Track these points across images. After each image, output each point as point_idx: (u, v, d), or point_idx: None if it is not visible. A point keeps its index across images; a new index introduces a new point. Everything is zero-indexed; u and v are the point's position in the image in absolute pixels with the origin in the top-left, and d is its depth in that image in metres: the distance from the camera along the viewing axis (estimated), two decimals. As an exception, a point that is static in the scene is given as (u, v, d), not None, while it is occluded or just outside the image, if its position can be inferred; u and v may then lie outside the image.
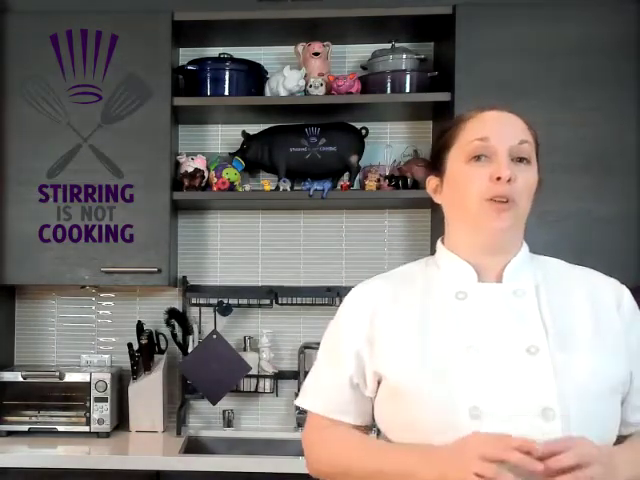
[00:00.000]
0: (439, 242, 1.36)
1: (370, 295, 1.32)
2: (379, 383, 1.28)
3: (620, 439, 1.26)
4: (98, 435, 2.65)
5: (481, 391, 1.17)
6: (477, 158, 1.24)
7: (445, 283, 1.28)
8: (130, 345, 2.74)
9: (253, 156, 2.73)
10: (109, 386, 2.65)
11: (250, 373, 2.77)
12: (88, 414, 2.64)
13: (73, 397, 2.66)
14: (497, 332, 1.21)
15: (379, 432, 1.33)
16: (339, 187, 2.70)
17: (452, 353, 1.20)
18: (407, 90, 2.60)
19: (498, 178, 1.20)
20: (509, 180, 1.20)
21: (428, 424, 1.18)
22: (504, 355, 1.19)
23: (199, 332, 2.81)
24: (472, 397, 1.16)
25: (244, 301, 2.83)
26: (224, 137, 2.89)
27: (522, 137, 1.24)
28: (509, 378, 1.17)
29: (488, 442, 1.09)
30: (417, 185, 2.64)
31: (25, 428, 2.65)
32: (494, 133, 1.24)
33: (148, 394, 2.73)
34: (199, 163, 2.70)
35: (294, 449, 2.64)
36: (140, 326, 2.78)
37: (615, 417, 1.23)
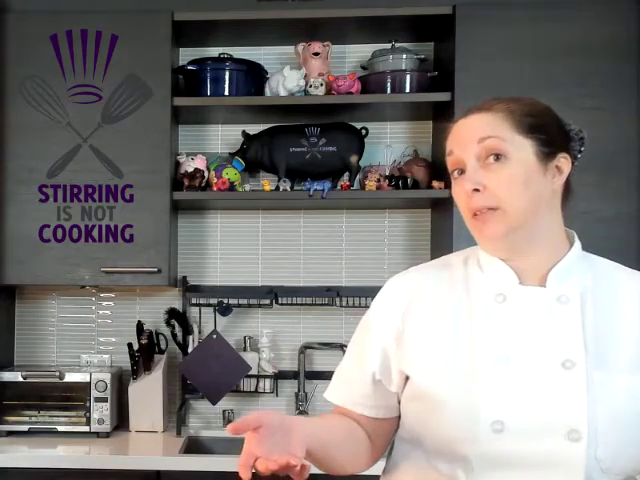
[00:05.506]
0: None
1: (405, 289, 1.25)
2: (407, 379, 1.22)
3: None
4: (98, 435, 2.65)
5: (507, 404, 1.11)
6: (457, 172, 1.19)
7: (485, 285, 1.19)
8: (130, 345, 2.74)
9: (253, 156, 2.73)
10: (109, 386, 2.65)
11: (250, 373, 2.76)
12: (88, 414, 2.64)
13: (73, 397, 2.66)
14: (533, 341, 1.13)
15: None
16: (339, 187, 2.70)
17: (482, 361, 1.13)
18: (407, 90, 2.60)
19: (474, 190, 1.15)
20: (477, 190, 1.13)
21: (446, 432, 1.14)
22: (537, 367, 1.12)
23: (199, 332, 2.81)
24: (497, 410, 1.11)
25: (244, 301, 2.82)
26: (224, 137, 2.89)
27: (481, 135, 1.15)
28: (539, 393, 1.10)
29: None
30: (417, 185, 2.64)
31: (25, 428, 2.65)
32: (455, 144, 1.19)
33: (148, 394, 2.73)
34: (199, 163, 2.70)
35: (294, 449, 2.64)
36: (140, 326, 2.77)
37: None
